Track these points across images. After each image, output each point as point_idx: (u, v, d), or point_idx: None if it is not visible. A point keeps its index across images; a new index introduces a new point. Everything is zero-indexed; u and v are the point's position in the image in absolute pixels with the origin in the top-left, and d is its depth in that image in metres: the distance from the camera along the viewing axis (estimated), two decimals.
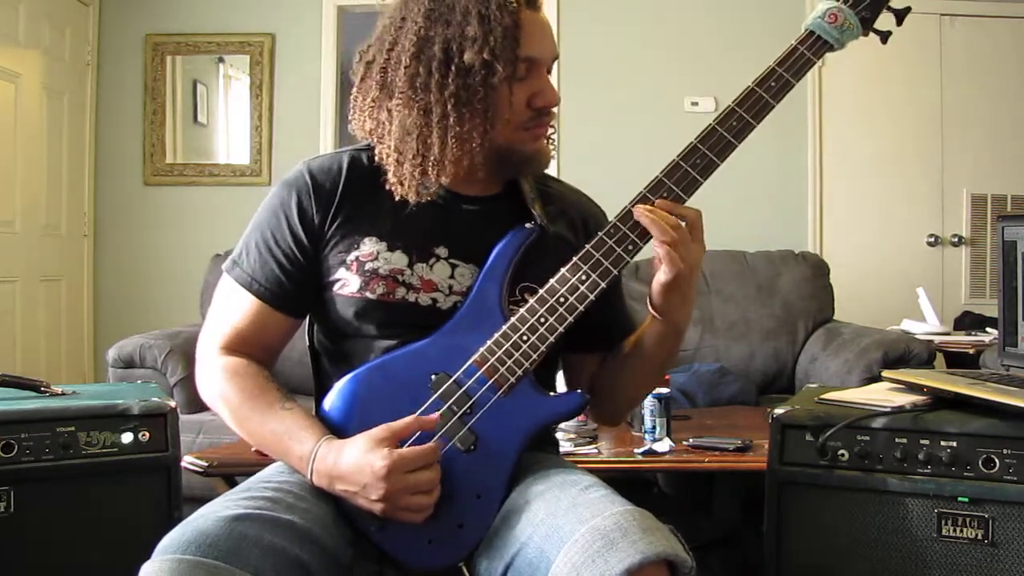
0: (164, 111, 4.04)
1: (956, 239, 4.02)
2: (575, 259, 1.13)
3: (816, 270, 3.44)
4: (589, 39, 3.98)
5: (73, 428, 1.43)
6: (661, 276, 1.12)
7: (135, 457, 1.46)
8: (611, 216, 1.17)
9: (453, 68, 1.11)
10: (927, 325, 3.33)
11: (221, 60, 4.08)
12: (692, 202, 1.14)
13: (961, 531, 1.25)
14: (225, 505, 1.01)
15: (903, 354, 2.76)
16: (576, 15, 3.99)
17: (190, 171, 4.06)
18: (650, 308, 1.18)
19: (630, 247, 1.13)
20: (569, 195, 1.34)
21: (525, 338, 1.12)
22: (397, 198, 1.17)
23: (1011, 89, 4.01)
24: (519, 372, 1.11)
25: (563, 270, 1.13)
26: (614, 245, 1.13)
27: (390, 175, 1.17)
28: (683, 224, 1.11)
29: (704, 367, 3.03)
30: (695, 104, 3.88)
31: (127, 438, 1.46)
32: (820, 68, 3.88)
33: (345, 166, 1.22)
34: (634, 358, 1.25)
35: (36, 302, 3.69)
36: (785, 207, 3.98)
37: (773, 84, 1.17)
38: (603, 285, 1.13)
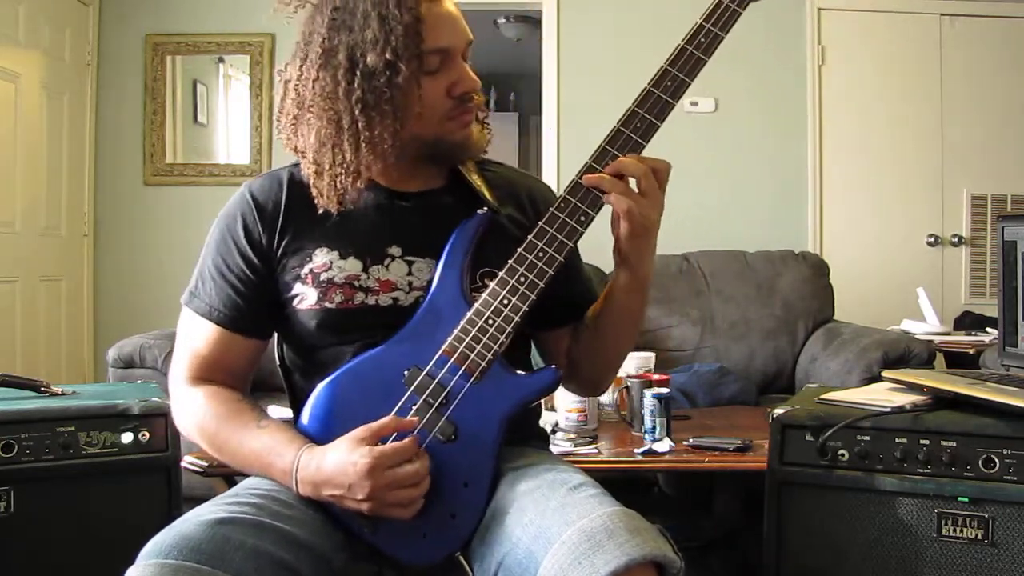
0: (164, 111, 4.04)
1: (956, 239, 4.02)
2: (530, 237, 1.14)
3: (816, 270, 3.44)
4: (589, 39, 3.98)
5: (73, 428, 1.43)
6: (622, 227, 1.13)
7: (135, 457, 1.46)
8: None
9: (358, 74, 1.12)
10: (927, 325, 3.33)
11: (221, 60, 4.08)
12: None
13: (961, 531, 1.25)
14: (209, 510, 1.02)
15: (903, 354, 2.76)
16: (576, 15, 3.99)
17: (190, 171, 4.06)
18: (617, 257, 1.18)
19: (583, 218, 1.13)
20: (513, 176, 1.35)
21: (491, 321, 1.12)
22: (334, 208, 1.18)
23: (1011, 89, 4.01)
24: (489, 356, 1.12)
25: (520, 249, 1.14)
26: (566, 218, 1.13)
27: (312, 188, 1.18)
28: (629, 176, 1.12)
29: (704, 367, 3.03)
30: (695, 104, 3.88)
31: (127, 438, 1.46)
32: (820, 67, 3.88)
33: (285, 183, 1.24)
34: (605, 316, 1.25)
35: (36, 302, 3.69)
36: (785, 207, 3.98)
37: (703, 40, 1.20)
38: (560, 259, 1.13)
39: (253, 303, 1.21)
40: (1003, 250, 1.66)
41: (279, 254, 1.21)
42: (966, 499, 1.25)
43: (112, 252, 4.08)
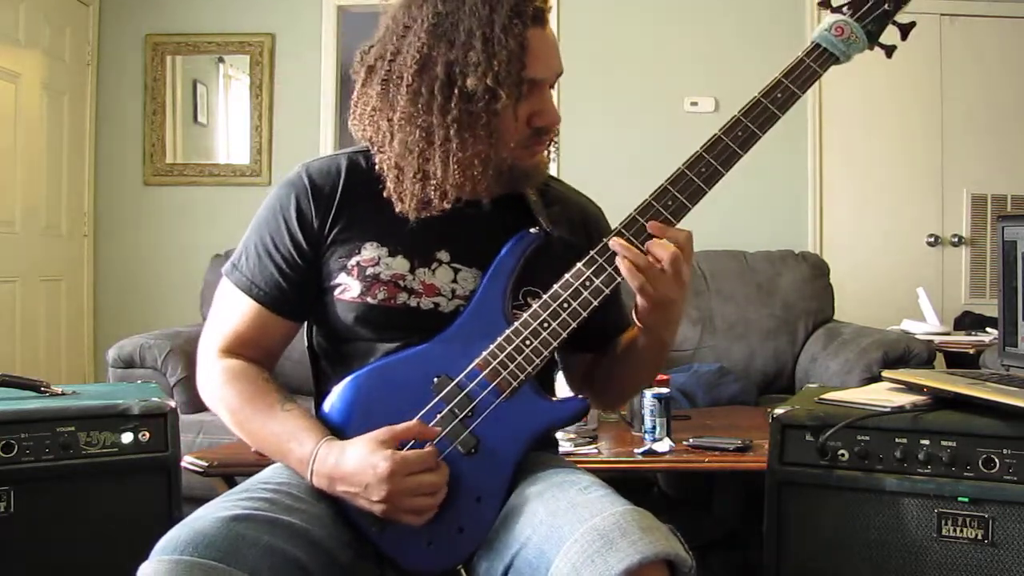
0: (164, 111, 4.04)
1: (956, 239, 4.01)
2: (579, 264, 1.13)
3: (816, 270, 3.44)
4: (589, 39, 3.97)
5: (73, 428, 1.43)
6: (638, 300, 1.12)
7: (135, 457, 1.46)
8: (610, 218, 1.17)
9: (456, 92, 1.09)
10: (927, 325, 3.33)
11: (221, 60, 4.08)
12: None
13: (961, 531, 1.25)
14: (223, 506, 1.01)
15: (903, 354, 2.76)
16: (576, 15, 3.99)
17: (190, 171, 4.06)
18: (636, 322, 1.17)
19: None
20: (570, 196, 1.34)
21: (528, 342, 1.12)
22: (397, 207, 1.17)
23: (1011, 89, 4.01)
24: (522, 376, 1.11)
25: (567, 275, 1.13)
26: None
27: (390, 188, 1.16)
28: (656, 261, 1.10)
29: (704, 367, 3.03)
30: (695, 104, 3.88)
31: (127, 438, 1.46)
32: None
33: (344, 169, 1.21)
34: (623, 361, 1.25)
35: (36, 302, 3.69)
36: (785, 207, 3.98)
37: (779, 96, 1.16)
38: (607, 291, 1.12)
39: (295, 286, 1.19)
40: (1003, 250, 1.66)
41: (328, 241, 1.19)
42: (966, 499, 1.25)
43: (112, 252, 4.08)
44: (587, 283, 1.12)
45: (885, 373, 1.60)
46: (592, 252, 1.13)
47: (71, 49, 3.91)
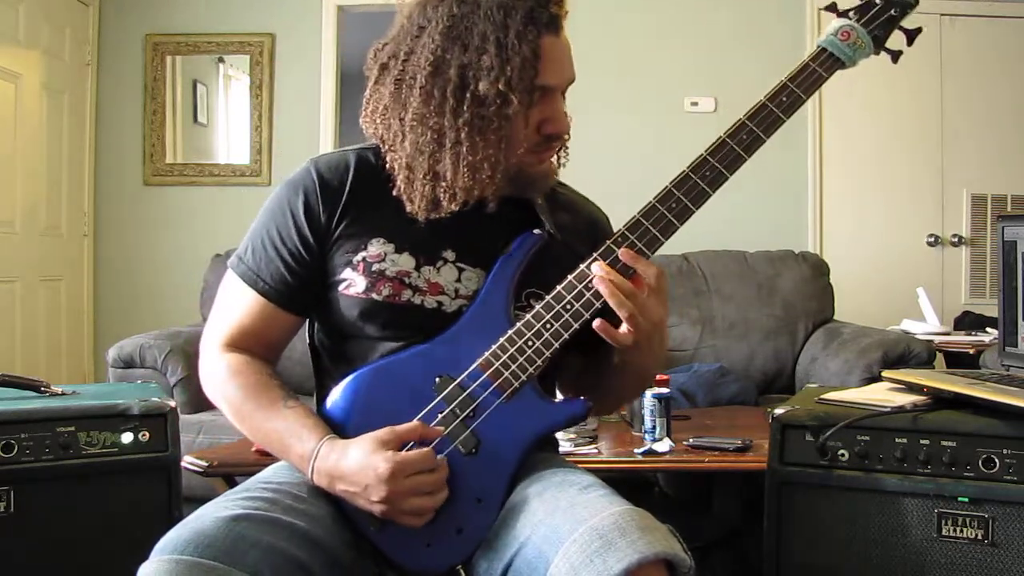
0: (164, 111, 4.04)
1: (956, 239, 4.02)
2: (582, 267, 1.13)
3: (816, 270, 3.44)
4: (589, 39, 3.97)
5: (73, 428, 1.43)
6: (624, 333, 1.11)
7: (135, 457, 1.46)
8: (612, 219, 1.17)
9: (468, 95, 1.09)
10: (927, 325, 3.33)
11: (221, 60, 4.08)
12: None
13: (961, 531, 1.25)
14: (224, 505, 1.01)
15: (903, 354, 2.76)
16: (575, 15, 3.98)
17: (190, 171, 4.06)
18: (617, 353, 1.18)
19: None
20: (578, 202, 1.34)
21: (530, 343, 1.12)
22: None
23: (1011, 89, 4.01)
24: (523, 377, 1.11)
25: (571, 277, 1.13)
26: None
27: (400, 187, 1.16)
28: (638, 291, 1.10)
29: (704, 367, 3.03)
30: (695, 104, 3.88)
31: (127, 438, 1.46)
32: None
33: (353, 165, 1.21)
34: (611, 375, 1.25)
35: (36, 302, 3.69)
36: (785, 207, 3.98)
37: (784, 99, 1.17)
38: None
39: (301, 280, 1.19)
40: (1003, 250, 1.66)
41: (335, 235, 1.18)
42: (966, 499, 1.25)
43: (112, 252, 4.08)
44: (590, 285, 1.12)
45: (885, 373, 1.60)
46: (596, 254, 1.13)
47: (71, 49, 3.91)
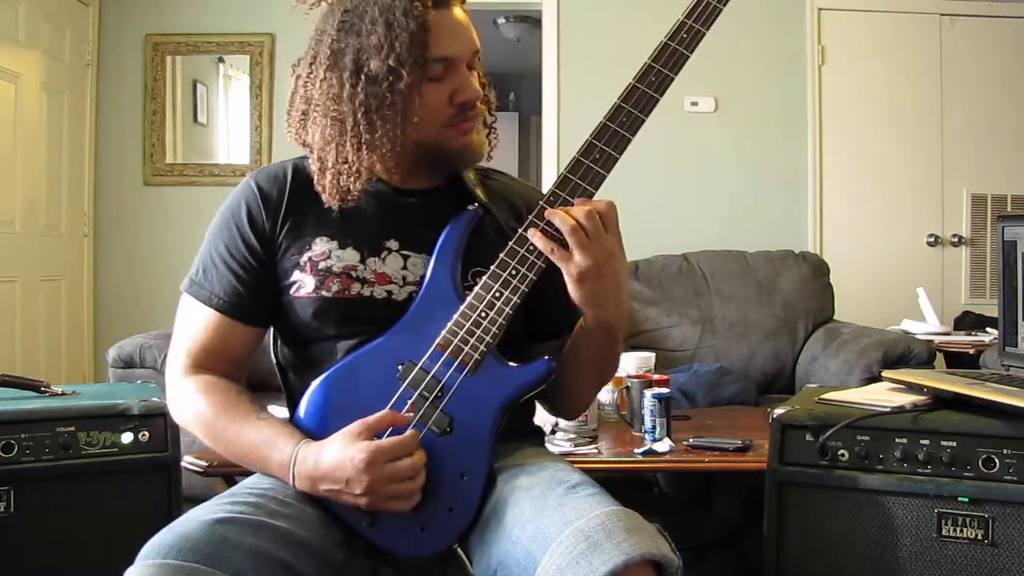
0: (164, 111, 4.04)
1: (956, 239, 4.02)
2: (520, 231, 1.14)
3: (816, 270, 3.44)
4: (588, 39, 3.98)
5: (73, 428, 1.43)
6: (571, 267, 1.10)
7: (135, 457, 1.46)
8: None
9: (363, 78, 1.14)
10: (927, 325, 3.33)
11: (221, 60, 4.08)
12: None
13: (961, 531, 1.25)
14: (208, 510, 1.02)
15: (903, 354, 2.76)
16: (576, 15, 3.99)
17: (190, 171, 4.06)
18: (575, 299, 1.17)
19: None
20: (513, 184, 1.37)
21: (484, 314, 1.14)
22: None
23: (1011, 89, 4.01)
24: (482, 348, 1.13)
25: (511, 243, 1.15)
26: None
27: (316, 181, 1.20)
28: (586, 221, 1.09)
29: (704, 367, 3.02)
30: (695, 104, 3.88)
31: (127, 438, 1.46)
32: (820, 67, 3.89)
33: (290, 175, 1.26)
34: (571, 353, 1.24)
35: (36, 302, 3.69)
36: (785, 207, 3.98)
37: (685, 36, 1.18)
38: None
39: (254, 290, 1.22)
40: (1003, 250, 1.66)
41: (280, 240, 1.22)
42: (966, 499, 1.25)
43: (112, 252, 4.08)
44: (532, 247, 1.13)
45: (885, 373, 1.60)
46: (531, 217, 1.14)
47: (71, 49, 3.91)
